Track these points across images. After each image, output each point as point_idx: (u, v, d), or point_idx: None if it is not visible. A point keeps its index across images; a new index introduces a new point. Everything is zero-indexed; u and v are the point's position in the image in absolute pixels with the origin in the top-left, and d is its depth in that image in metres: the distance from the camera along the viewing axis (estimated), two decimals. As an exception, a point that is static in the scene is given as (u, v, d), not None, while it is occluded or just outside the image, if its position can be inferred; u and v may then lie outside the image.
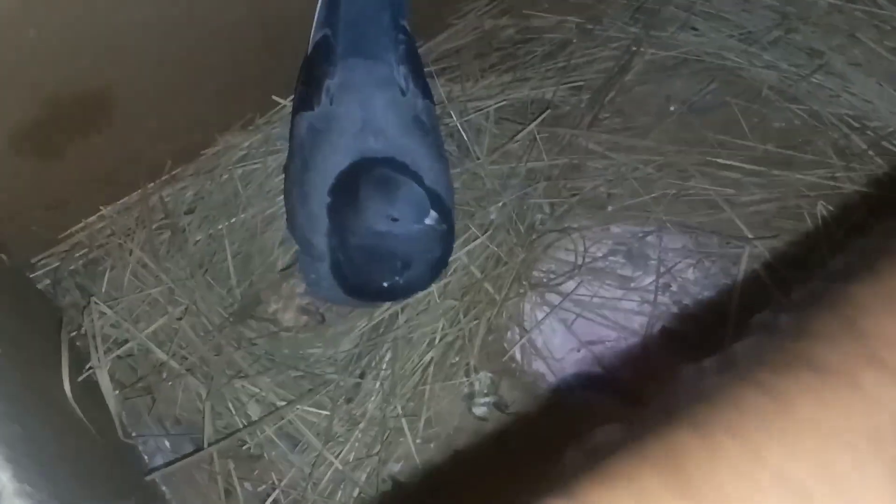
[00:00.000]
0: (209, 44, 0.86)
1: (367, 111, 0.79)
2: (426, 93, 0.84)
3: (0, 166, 0.79)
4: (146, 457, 0.86)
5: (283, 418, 0.82)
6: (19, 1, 0.67)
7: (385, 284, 0.77)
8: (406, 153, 0.77)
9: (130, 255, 0.88)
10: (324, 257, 0.78)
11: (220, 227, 0.92)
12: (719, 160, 0.99)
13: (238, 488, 0.80)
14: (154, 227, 0.91)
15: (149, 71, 0.83)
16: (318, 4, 0.83)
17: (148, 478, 0.79)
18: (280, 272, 0.94)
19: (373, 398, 0.84)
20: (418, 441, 0.84)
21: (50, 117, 0.78)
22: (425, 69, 0.90)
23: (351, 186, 0.73)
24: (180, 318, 0.84)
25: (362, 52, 0.81)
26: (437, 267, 0.80)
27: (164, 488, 0.84)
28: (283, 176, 0.89)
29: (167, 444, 0.86)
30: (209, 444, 0.78)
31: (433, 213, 0.70)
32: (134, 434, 0.84)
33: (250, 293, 0.91)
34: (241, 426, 0.81)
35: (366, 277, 0.77)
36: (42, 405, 0.64)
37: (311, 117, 0.81)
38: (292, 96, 0.98)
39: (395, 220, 0.70)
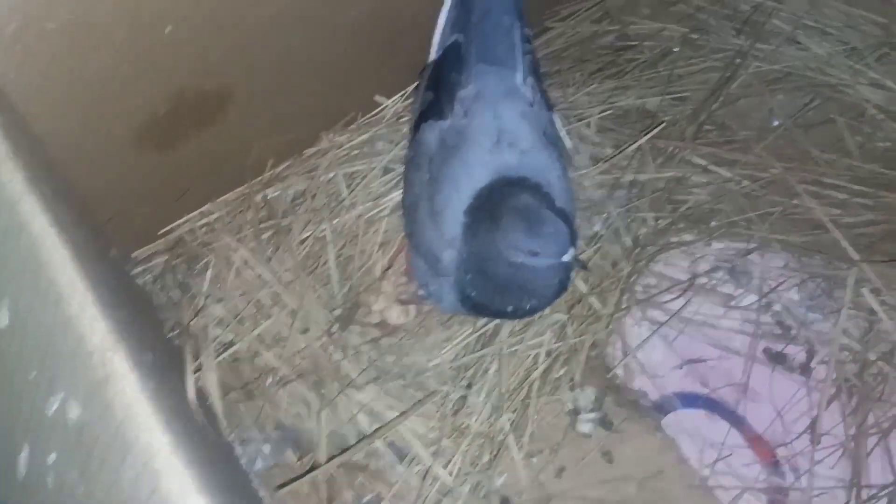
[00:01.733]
0: (326, 41, 0.85)
1: (501, 123, 0.76)
2: (549, 104, 0.83)
3: (121, 159, 0.78)
4: (244, 461, 0.84)
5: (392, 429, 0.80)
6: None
7: (509, 309, 0.77)
8: (538, 171, 0.75)
9: (235, 253, 0.87)
10: (449, 272, 0.76)
11: (322, 227, 0.90)
12: (825, 179, 0.97)
13: (347, 497, 0.79)
14: (259, 225, 0.89)
15: (267, 67, 0.82)
16: (446, 6, 0.82)
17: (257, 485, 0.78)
18: (381, 274, 0.92)
19: (479, 411, 0.83)
20: (521, 456, 0.83)
21: (173, 111, 0.77)
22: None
23: (491, 210, 0.71)
24: (291, 324, 0.83)
25: (493, 60, 0.79)
26: (560, 293, 0.79)
27: (262, 493, 0.82)
28: (404, 180, 0.87)
29: (267, 448, 0.84)
30: (328, 459, 0.77)
31: (572, 250, 0.69)
32: (234, 438, 0.82)
33: (351, 297, 0.90)
34: (351, 436, 0.80)
35: (492, 301, 0.76)
36: (180, 409, 0.63)
37: (442, 128, 0.78)
38: (396, 97, 0.97)
39: (535, 254, 0.69)
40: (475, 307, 0.78)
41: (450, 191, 0.76)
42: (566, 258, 0.69)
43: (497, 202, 0.72)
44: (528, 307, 0.77)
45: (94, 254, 0.62)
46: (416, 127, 0.81)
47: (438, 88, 0.80)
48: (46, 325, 0.55)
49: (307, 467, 0.80)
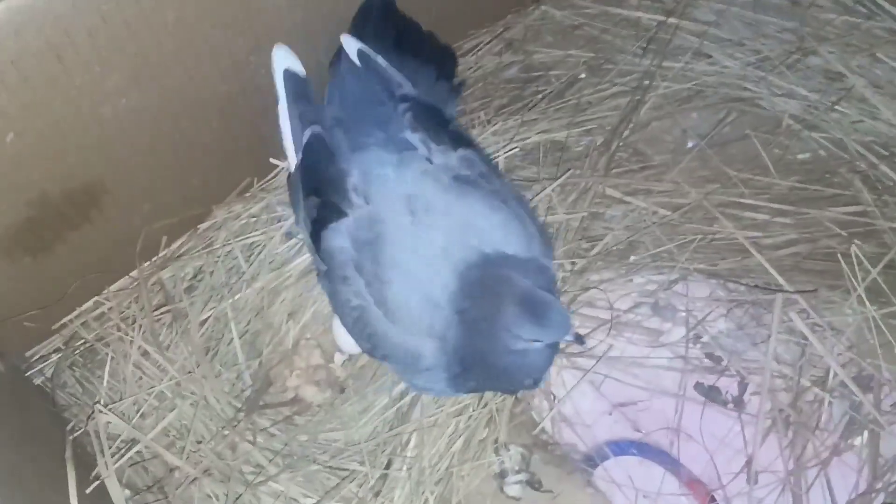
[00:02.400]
0: (201, 120, 0.81)
1: (406, 191, 0.71)
2: (458, 142, 0.75)
3: (-6, 270, 0.74)
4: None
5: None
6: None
7: (511, 388, 0.77)
8: (466, 226, 0.70)
9: (131, 345, 0.82)
10: (437, 365, 0.71)
11: (223, 305, 0.86)
12: (743, 200, 0.93)
13: None
14: (154, 311, 0.85)
15: (140, 156, 0.78)
16: (283, 106, 0.76)
17: None
18: (293, 346, 0.88)
19: (401, 488, 0.79)
20: (450, 528, 0.79)
21: (39, 216, 0.73)
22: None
23: (485, 299, 0.67)
24: (194, 415, 0.79)
25: (368, 133, 0.74)
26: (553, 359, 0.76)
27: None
28: (331, 301, 0.78)
29: (183, 548, 0.81)
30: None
31: (573, 332, 0.67)
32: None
33: (260, 375, 0.86)
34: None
35: (493, 385, 0.75)
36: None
37: (349, 227, 0.72)
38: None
39: (538, 341, 0.67)
40: (478, 388, 0.76)
41: (401, 282, 0.70)
42: (568, 338, 0.68)
43: (482, 290, 0.68)
44: (528, 383, 0.74)
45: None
46: (315, 238, 0.74)
47: (321, 190, 0.73)
48: None
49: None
